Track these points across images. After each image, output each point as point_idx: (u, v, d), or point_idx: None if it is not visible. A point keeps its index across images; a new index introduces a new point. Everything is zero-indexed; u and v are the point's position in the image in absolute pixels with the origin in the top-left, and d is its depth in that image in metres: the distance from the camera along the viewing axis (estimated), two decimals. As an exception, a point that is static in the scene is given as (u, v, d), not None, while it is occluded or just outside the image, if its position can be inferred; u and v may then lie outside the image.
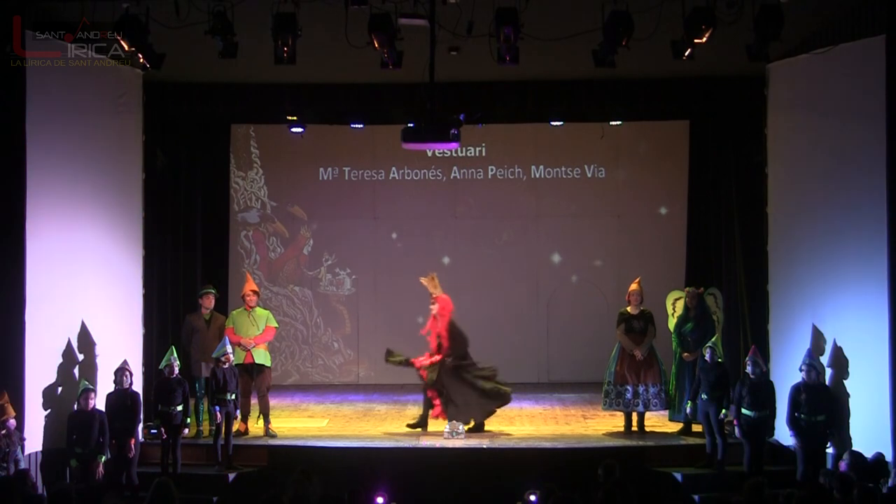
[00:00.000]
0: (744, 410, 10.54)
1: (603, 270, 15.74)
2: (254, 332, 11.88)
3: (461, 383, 11.89)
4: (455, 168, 15.98)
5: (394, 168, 15.97)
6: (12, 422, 9.65)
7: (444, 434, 11.54)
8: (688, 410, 11.32)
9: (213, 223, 15.22)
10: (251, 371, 11.90)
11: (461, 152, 15.79)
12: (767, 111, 11.64)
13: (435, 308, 12.01)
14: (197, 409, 11.86)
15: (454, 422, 11.60)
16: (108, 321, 11.09)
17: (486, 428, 12.20)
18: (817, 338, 10.82)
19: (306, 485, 7.79)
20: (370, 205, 16.06)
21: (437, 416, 11.83)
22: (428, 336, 12.06)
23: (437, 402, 11.83)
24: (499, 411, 13.38)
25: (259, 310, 12.09)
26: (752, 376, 10.61)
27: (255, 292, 12.19)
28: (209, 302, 12.15)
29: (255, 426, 12.01)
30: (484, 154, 15.98)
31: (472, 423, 11.82)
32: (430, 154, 15.76)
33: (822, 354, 10.75)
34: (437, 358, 11.90)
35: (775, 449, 10.95)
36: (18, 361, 10.00)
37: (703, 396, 10.95)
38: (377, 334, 16.01)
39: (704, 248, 14.41)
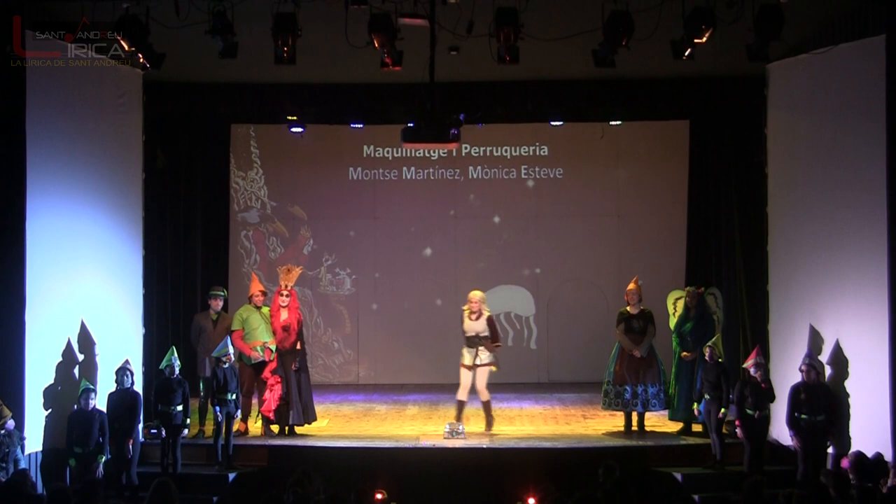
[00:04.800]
0: (746, 410, 10.53)
1: (603, 271, 15.74)
2: (266, 328, 11.86)
3: (306, 381, 11.90)
4: (455, 168, 15.98)
5: (394, 168, 15.97)
6: (11, 422, 9.63)
7: (444, 434, 11.54)
8: (695, 412, 11.32)
9: (213, 223, 15.25)
10: (256, 370, 11.88)
11: (462, 152, 15.79)
12: (767, 111, 11.63)
13: (287, 300, 11.91)
14: (202, 408, 11.86)
15: (454, 422, 11.60)
16: (108, 321, 11.08)
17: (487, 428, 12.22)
18: (815, 338, 10.82)
19: (307, 485, 7.80)
20: (370, 205, 16.06)
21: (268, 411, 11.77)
22: (285, 329, 11.85)
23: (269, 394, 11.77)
24: (499, 411, 13.40)
25: (266, 308, 12.07)
26: (755, 377, 10.60)
27: (262, 293, 12.20)
28: (217, 304, 12.17)
29: (255, 426, 12.01)
30: (484, 154, 15.98)
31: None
32: (430, 154, 15.76)
33: (820, 354, 10.75)
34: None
35: (775, 449, 10.95)
36: (18, 361, 9.99)
37: (705, 396, 10.95)
38: (377, 334, 16.03)
39: (704, 248, 14.43)
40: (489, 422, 11.91)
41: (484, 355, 11.75)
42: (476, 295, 11.83)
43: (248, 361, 11.77)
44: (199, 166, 14.61)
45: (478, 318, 11.74)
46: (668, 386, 11.90)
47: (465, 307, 11.87)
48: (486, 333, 11.75)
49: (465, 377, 11.72)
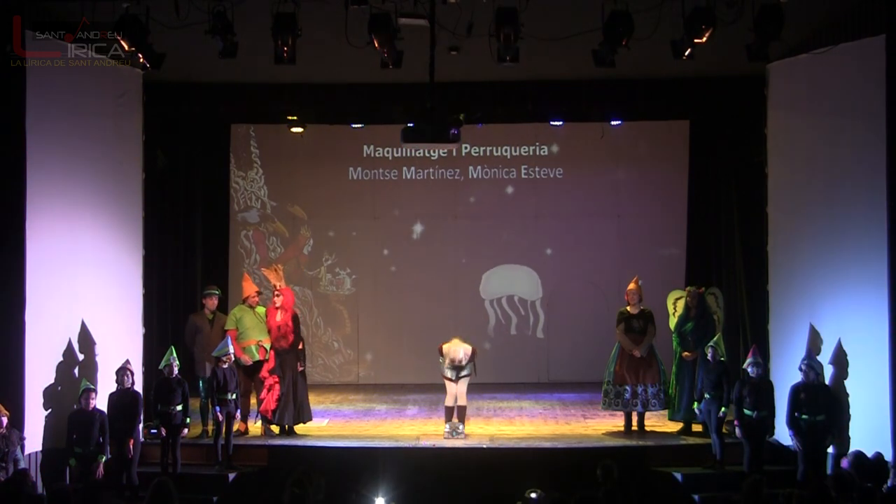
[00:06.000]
0: (744, 410, 10.54)
1: (603, 270, 15.74)
2: (261, 328, 11.87)
3: (302, 381, 11.88)
4: (455, 168, 15.98)
5: (394, 168, 15.98)
6: (4, 419, 9.58)
7: (445, 434, 11.54)
8: (696, 412, 11.31)
9: (213, 223, 15.27)
10: (252, 370, 11.88)
11: (462, 152, 15.79)
12: (767, 111, 11.63)
13: (279, 300, 11.87)
14: (202, 408, 11.86)
15: (454, 421, 11.59)
16: (108, 321, 11.08)
17: (487, 428, 12.21)
18: (814, 338, 10.82)
19: (307, 485, 7.80)
20: (370, 205, 16.06)
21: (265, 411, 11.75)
22: (280, 329, 11.80)
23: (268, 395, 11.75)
24: (499, 411, 13.41)
25: (261, 308, 12.08)
26: (753, 377, 10.61)
27: (258, 293, 12.22)
28: (213, 303, 12.17)
29: (255, 426, 12.01)
30: (484, 154, 15.98)
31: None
32: (430, 154, 15.77)
33: (820, 354, 10.74)
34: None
35: (775, 449, 10.94)
36: (18, 361, 10.00)
37: (705, 396, 10.95)
38: (377, 334, 16.03)
39: (704, 248, 14.43)
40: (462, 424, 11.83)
41: (466, 369, 11.71)
42: (456, 350, 11.56)
43: (240, 363, 11.75)
44: (199, 166, 14.62)
45: (461, 361, 11.67)
46: (668, 386, 11.90)
47: (445, 361, 11.62)
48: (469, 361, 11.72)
49: (450, 386, 11.70)
